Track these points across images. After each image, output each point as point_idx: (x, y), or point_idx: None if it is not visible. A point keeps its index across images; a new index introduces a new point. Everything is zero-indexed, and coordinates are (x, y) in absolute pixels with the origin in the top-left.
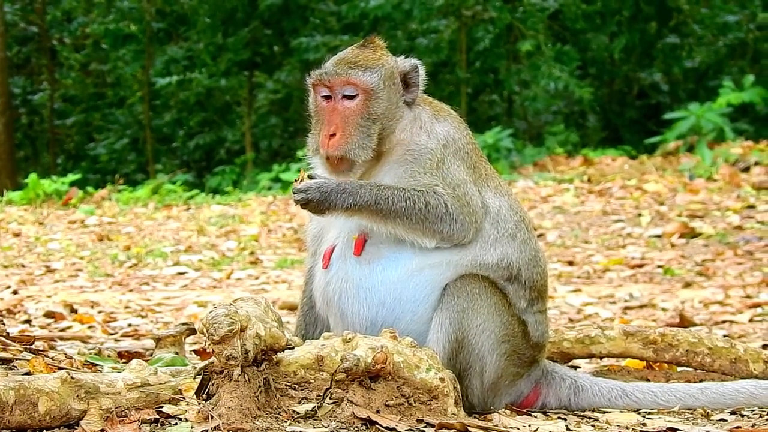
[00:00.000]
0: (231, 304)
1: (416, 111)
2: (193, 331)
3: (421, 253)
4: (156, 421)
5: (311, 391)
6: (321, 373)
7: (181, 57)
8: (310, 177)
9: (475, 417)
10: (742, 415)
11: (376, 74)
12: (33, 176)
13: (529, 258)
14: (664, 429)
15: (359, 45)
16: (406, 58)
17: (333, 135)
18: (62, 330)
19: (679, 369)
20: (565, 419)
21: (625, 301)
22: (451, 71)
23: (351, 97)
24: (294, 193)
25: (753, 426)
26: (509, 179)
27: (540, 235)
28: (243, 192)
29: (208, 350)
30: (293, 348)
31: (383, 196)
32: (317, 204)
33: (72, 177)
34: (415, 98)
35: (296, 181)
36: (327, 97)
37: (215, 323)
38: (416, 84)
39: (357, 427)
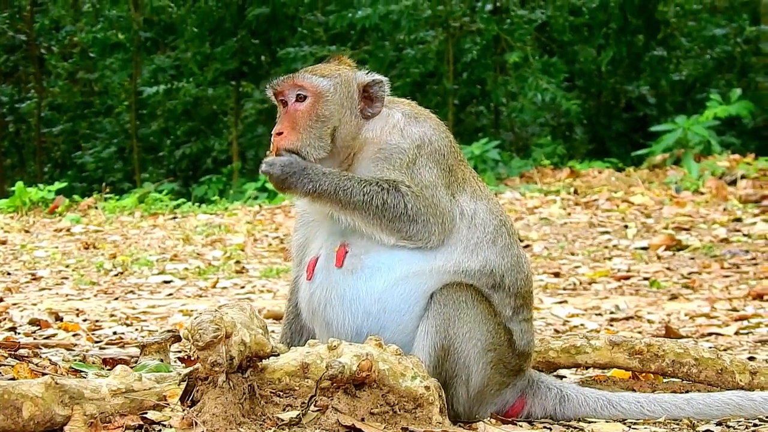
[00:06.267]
0: (216, 310)
1: (391, 112)
2: (178, 339)
3: (403, 262)
4: (140, 427)
5: (296, 399)
6: (306, 380)
7: (168, 66)
8: (288, 151)
9: (460, 426)
10: (728, 426)
11: (327, 80)
12: (19, 184)
13: (511, 264)
14: None
15: (324, 61)
16: (368, 73)
17: (280, 133)
18: (47, 338)
19: (665, 380)
20: (551, 429)
21: (611, 313)
22: (438, 82)
23: (302, 100)
24: (262, 164)
25: None
26: (495, 191)
27: (526, 247)
28: (229, 201)
29: (192, 356)
30: (278, 355)
31: (343, 187)
32: (278, 182)
33: (58, 185)
34: (377, 112)
35: (270, 152)
36: (285, 104)
37: (200, 329)
38: (379, 98)
39: None
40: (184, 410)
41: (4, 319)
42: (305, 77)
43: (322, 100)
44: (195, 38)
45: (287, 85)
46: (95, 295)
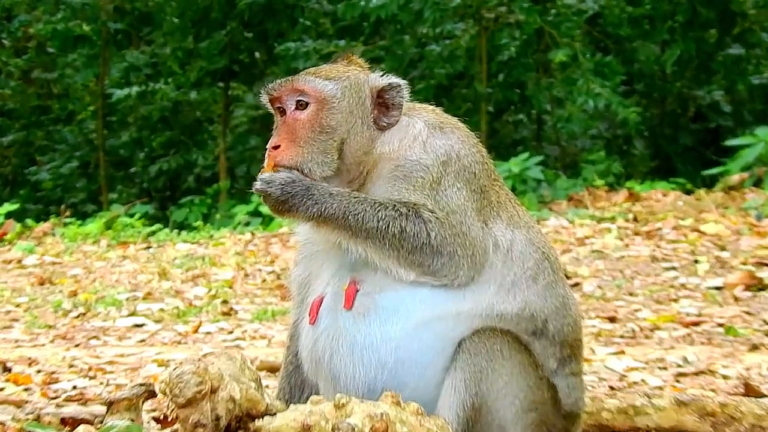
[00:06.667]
0: (200, 359)
1: (411, 121)
2: (152, 394)
3: (425, 302)
4: None
5: None
6: None
7: (143, 64)
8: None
9: None
10: None
11: (333, 83)
12: None
13: (556, 306)
14: None
15: (331, 61)
16: (384, 75)
17: (277, 147)
18: None
19: None
20: None
21: (678, 366)
22: (469, 85)
23: (303, 108)
24: (256, 181)
25: None
26: (537, 216)
27: (575, 285)
28: (215, 228)
29: (170, 416)
30: (274, 414)
31: (354, 211)
32: (277, 203)
33: (8, 207)
34: (394, 122)
35: (264, 169)
36: (282, 112)
37: (180, 383)
38: (396, 106)
39: None
40: None
41: None
42: (307, 80)
43: (326, 107)
44: (175, 31)
45: (286, 89)
46: (51, 341)
